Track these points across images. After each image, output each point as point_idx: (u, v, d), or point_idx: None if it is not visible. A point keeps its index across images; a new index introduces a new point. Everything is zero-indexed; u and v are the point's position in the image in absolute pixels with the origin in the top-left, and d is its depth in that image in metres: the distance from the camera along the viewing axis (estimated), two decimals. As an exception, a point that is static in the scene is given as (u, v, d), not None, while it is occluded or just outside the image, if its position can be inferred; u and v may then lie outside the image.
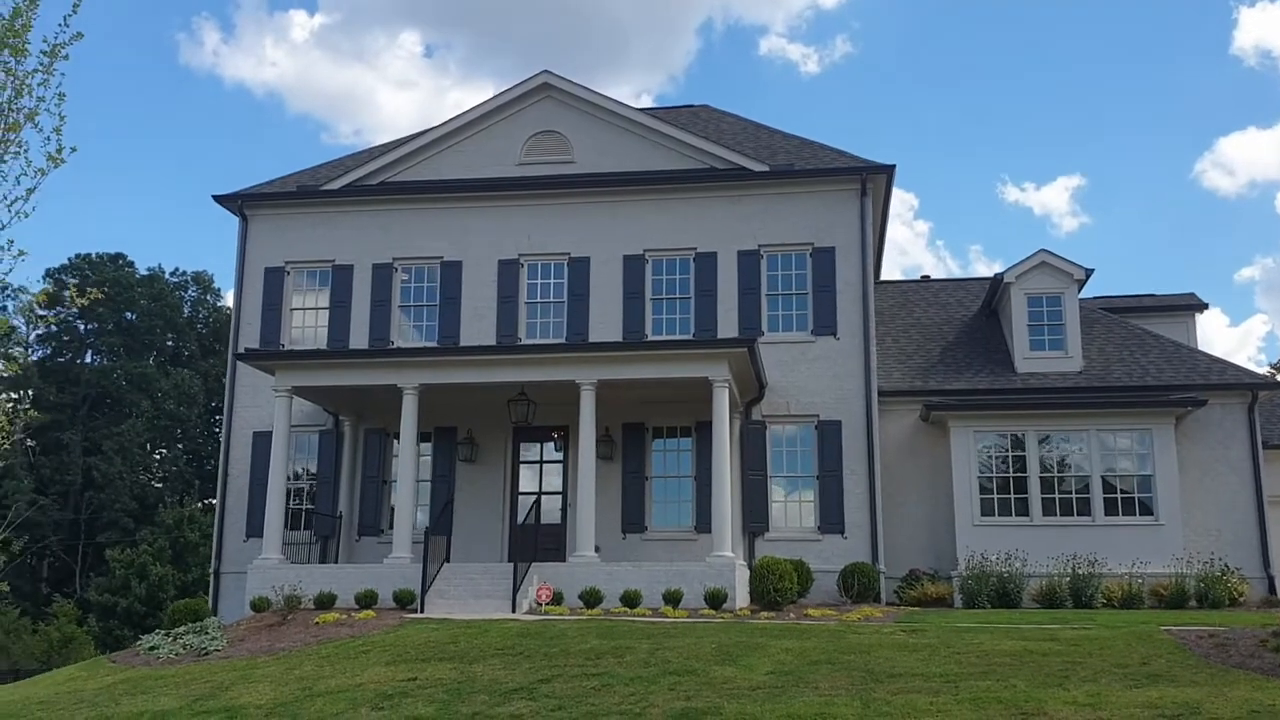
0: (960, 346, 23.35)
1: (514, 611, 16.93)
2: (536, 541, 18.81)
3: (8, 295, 43.64)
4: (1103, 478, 20.08)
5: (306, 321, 23.06)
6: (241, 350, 21.84)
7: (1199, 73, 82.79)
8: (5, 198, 8.89)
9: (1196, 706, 9.83)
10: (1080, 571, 18.49)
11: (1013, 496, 20.27)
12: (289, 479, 20.80)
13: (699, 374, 18.71)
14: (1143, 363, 21.89)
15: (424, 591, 17.59)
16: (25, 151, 8.99)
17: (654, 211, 22.30)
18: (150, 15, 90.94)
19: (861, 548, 20.13)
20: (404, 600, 17.68)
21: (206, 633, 16.56)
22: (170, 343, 56.25)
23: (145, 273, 55.07)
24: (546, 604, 17.02)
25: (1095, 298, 26.01)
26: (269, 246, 23.25)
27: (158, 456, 52.27)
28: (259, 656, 14.53)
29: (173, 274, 57.01)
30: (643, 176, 22.38)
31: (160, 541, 38.57)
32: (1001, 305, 23.41)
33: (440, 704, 11.19)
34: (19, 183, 8.95)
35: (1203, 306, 26.40)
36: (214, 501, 23.62)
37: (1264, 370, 39.14)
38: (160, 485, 49.94)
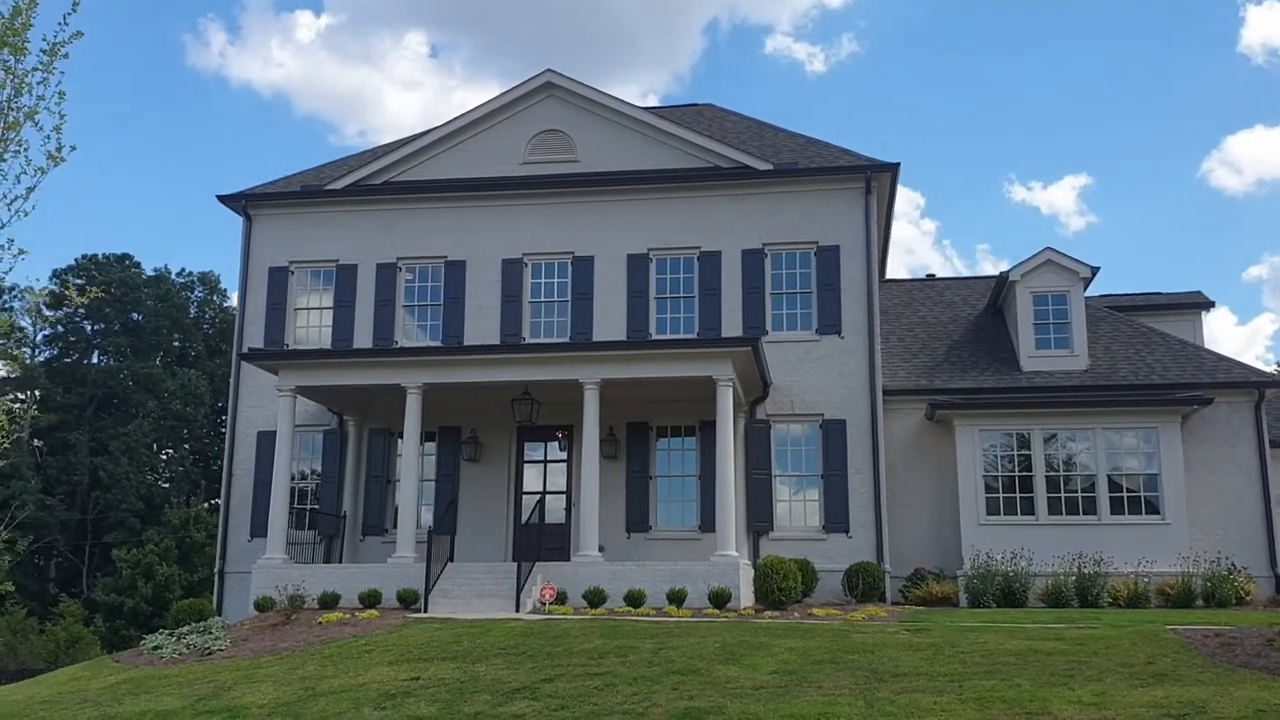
0: (965, 345, 23.28)
1: (518, 611, 16.91)
2: (540, 541, 18.78)
3: (15, 296, 43.74)
4: (1108, 477, 19.99)
5: (311, 321, 23.07)
6: (245, 350, 21.84)
7: (1206, 71, 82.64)
8: (5, 196, 8.88)
9: (1202, 706, 9.77)
10: (1086, 570, 18.42)
11: (1018, 495, 20.20)
12: (293, 479, 20.79)
13: (703, 373, 18.67)
14: (1149, 361, 21.81)
15: (428, 591, 17.57)
16: (25, 150, 8.98)
17: (658, 210, 22.27)
18: (157, 17, 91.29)
19: (866, 547, 20.08)
20: (408, 600, 17.67)
21: (210, 632, 16.56)
22: (177, 343, 56.39)
23: (152, 273, 55.21)
24: (550, 603, 17.00)
25: (1101, 296, 25.92)
26: (273, 246, 23.26)
27: (164, 457, 52.42)
28: (262, 656, 14.53)
29: (179, 274, 57.20)
30: (647, 175, 22.35)
31: (166, 542, 38.66)
32: (1007, 304, 23.33)
33: (443, 704, 11.17)
34: (19, 181, 8.94)
35: (1209, 305, 26.29)
36: (220, 502, 23.64)
37: (1271, 369, 38.98)
38: (166, 485, 50.08)
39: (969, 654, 12.22)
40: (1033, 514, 19.98)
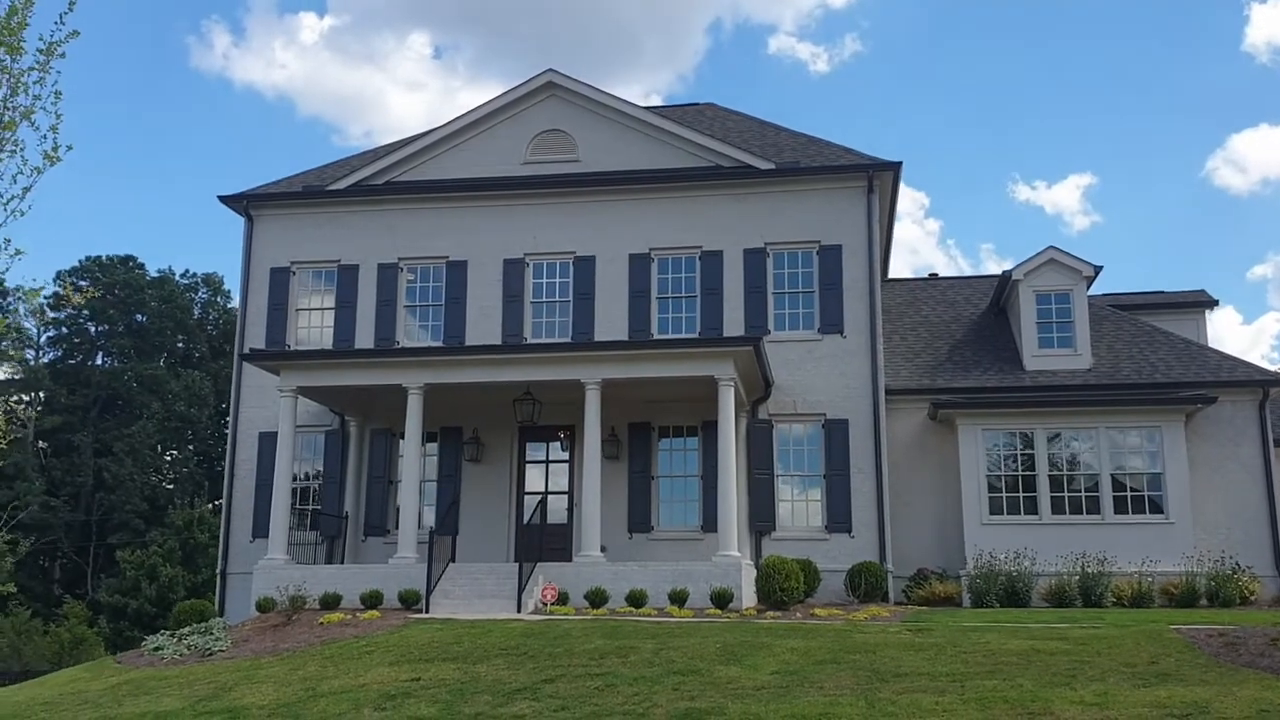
0: (968, 344, 23.22)
1: (519, 611, 16.88)
2: (542, 541, 18.75)
3: (18, 297, 43.78)
4: (1112, 476, 19.92)
5: (312, 322, 23.06)
6: (247, 350, 21.83)
7: (1211, 70, 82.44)
8: (1, 196, 8.87)
9: (1205, 706, 9.71)
10: (1089, 570, 18.36)
11: (1021, 495, 20.14)
12: (295, 479, 20.79)
13: (705, 373, 18.64)
14: (1152, 360, 21.73)
15: (429, 591, 17.55)
16: (21, 150, 8.98)
17: (659, 210, 22.24)
18: (160, 19, 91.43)
19: (869, 547, 20.03)
20: (409, 600, 17.65)
21: (211, 633, 16.56)
22: (180, 344, 56.43)
23: (155, 274, 55.25)
24: (551, 604, 16.96)
25: (1104, 295, 25.85)
26: (274, 247, 23.26)
27: (168, 458, 52.45)
28: (263, 657, 14.51)
29: (183, 276, 57.20)
30: (648, 175, 22.32)
31: (170, 543, 38.69)
32: (1010, 303, 23.27)
33: (443, 704, 11.14)
34: (15, 181, 8.94)
35: (1213, 303, 26.23)
36: (222, 502, 23.65)
37: (1276, 367, 38.90)
38: (170, 486, 50.10)
39: (971, 654, 12.17)
40: (1036, 514, 19.92)
